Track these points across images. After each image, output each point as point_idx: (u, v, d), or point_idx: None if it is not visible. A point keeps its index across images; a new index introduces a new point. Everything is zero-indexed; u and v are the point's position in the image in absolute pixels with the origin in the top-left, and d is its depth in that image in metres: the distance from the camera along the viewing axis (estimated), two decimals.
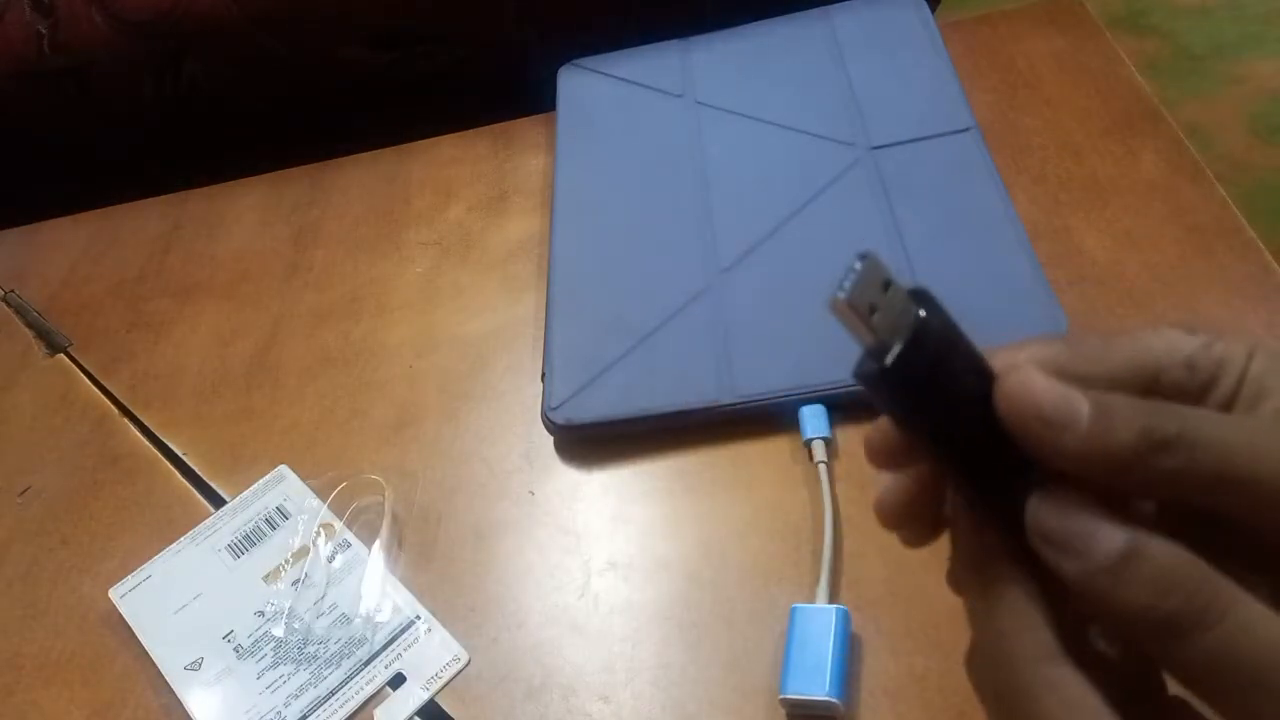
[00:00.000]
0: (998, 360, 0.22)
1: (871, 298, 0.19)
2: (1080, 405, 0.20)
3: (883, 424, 0.22)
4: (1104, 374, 0.22)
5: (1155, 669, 0.23)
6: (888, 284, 0.20)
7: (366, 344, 0.54)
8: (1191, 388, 0.22)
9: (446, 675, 0.41)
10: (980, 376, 0.21)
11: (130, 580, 0.46)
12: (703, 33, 0.62)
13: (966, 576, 0.23)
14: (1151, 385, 0.22)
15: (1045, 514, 0.20)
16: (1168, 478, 0.19)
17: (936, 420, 0.21)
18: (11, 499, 0.52)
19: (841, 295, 0.19)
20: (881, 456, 0.23)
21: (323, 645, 0.43)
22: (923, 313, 0.20)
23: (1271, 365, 0.21)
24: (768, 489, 0.44)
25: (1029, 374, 0.20)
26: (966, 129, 0.52)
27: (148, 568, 0.47)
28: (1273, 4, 1.44)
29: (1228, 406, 0.21)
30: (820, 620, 0.38)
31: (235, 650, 0.43)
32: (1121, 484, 0.20)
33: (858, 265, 0.19)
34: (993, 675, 0.21)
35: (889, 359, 0.20)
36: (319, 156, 0.66)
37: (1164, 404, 0.20)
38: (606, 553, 0.44)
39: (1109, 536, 0.19)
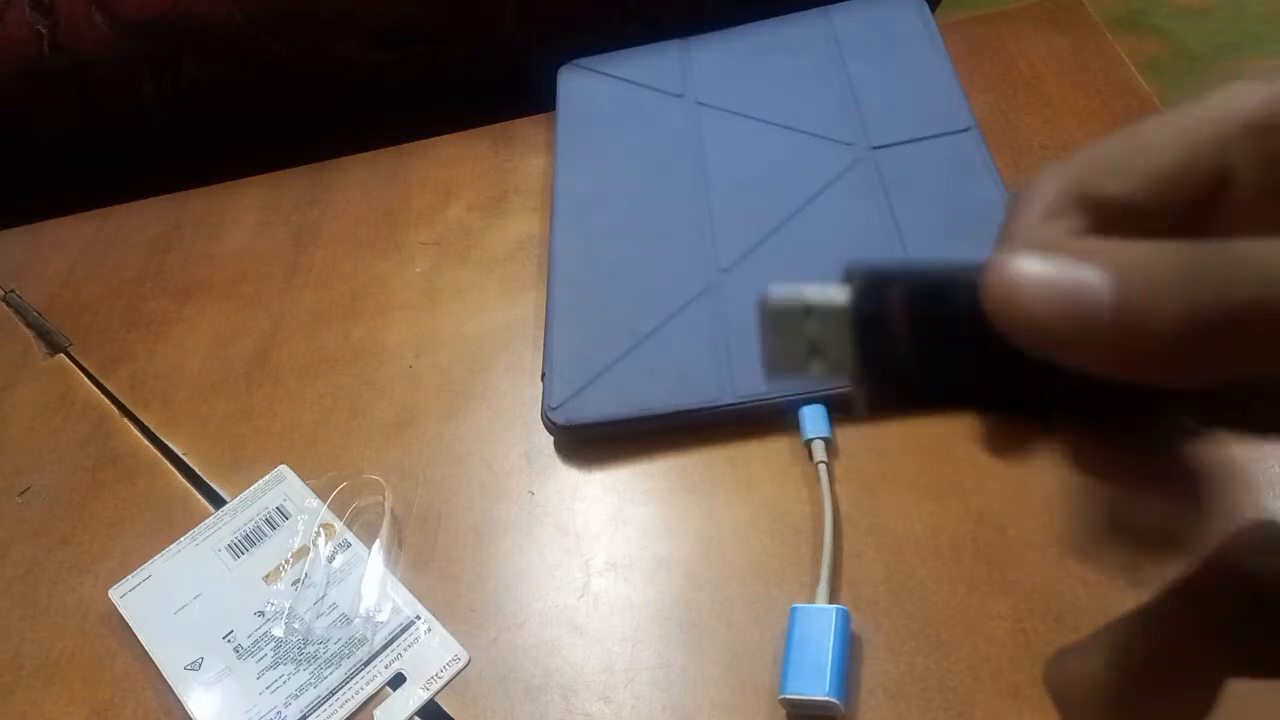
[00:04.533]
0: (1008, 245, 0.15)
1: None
2: (1092, 289, 0.13)
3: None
4: (1147, 184, 0.15)
5: None
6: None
7: (366, 344, 0.54)
8: (1273, 164, 0.14)
9: (446, 675, 0.41)
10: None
11: (130, 580, 0.46)
12: (703, 33, 0.62)
13: None
14: (1220, 176, 0.15)
15: None
16: (1241, 358, 0.13)
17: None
18: (11, 499, 0.52)
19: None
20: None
21: (323, 645, 0.43)
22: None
23: None
24: (768, 489, 0.44)
25: (1005, 265, 0.14)
26: (966, 129, 0.52)
27: (148, 568, 0.47)
28: (1273, 4, 1.44)
29: None
30: (820, 620, 0.38)
31: (235, 650, 0.43)
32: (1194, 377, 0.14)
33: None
34: None
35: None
36: (319, 156, 0.66)
37: (1220, 248, 0.13)
38: (606, 553, 0.44)
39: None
